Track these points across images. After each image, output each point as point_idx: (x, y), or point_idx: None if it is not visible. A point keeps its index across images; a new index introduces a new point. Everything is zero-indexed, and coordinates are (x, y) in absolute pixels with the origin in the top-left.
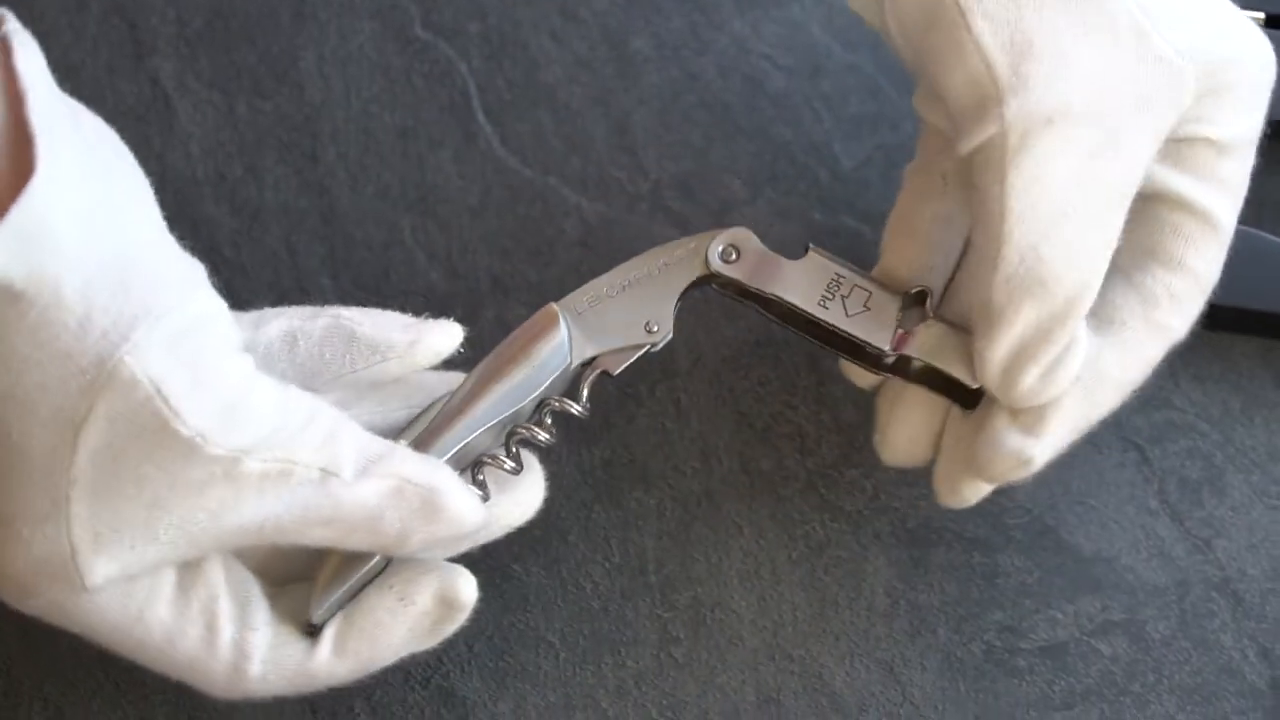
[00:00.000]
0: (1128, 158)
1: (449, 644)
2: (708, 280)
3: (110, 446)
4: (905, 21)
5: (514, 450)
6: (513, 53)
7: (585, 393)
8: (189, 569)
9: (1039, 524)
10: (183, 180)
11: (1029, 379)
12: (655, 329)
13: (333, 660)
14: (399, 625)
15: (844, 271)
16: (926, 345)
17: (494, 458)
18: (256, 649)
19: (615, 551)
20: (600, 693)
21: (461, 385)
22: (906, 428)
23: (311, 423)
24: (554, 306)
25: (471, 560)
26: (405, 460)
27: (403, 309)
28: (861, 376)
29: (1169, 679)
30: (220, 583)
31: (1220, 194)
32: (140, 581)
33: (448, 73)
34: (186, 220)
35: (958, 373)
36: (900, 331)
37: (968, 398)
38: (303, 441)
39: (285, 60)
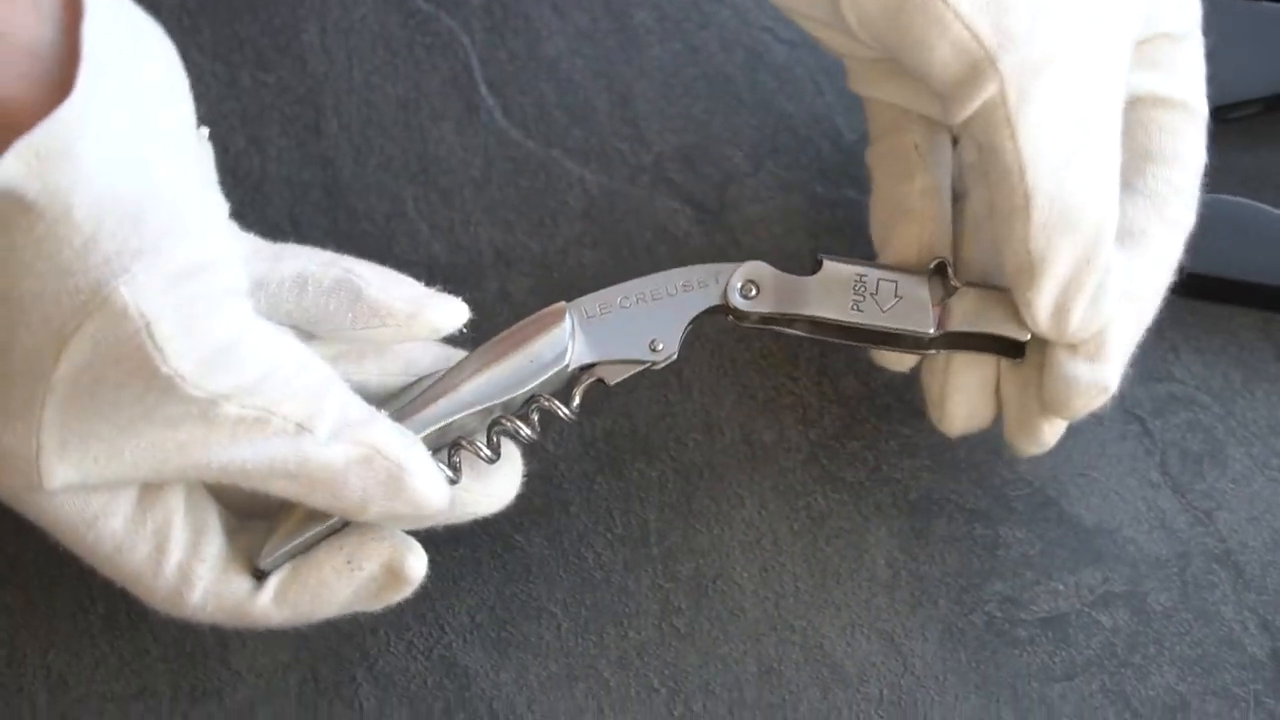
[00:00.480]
0: (1112, 76)
1: (451, 613)
2: (724, 312)
3: (91, 366)
4: (867, 10)
5: (494, 440)
6: (515, 25)
7: (578, 398)
8: (150, 489)
9: (1040, 496)
10: None
11: (1078, 314)
12: (660, 348)
13: (271, 607)
14: (343, 586)
15: (863, 270)
16: (966, 314)
17: (472, 443)
18: (200, 579)
19: (617, 522)
20: (602, 663)
21: (460, 364)
22: (965, 395)
23: (299, 375)
24: (564, 305)
25: (473, 531)
26: (381, 431)
27: None
28: (898, 361)
29: (1170, 650)
30: (179, 508)
31: (1188, 81)
32: (100, 492)
33: (450, 45)
34: None
35: (1005, 330)
36: (937, 309)
37: (1014, 349)
38: (286, 393)
39: (288, 32)
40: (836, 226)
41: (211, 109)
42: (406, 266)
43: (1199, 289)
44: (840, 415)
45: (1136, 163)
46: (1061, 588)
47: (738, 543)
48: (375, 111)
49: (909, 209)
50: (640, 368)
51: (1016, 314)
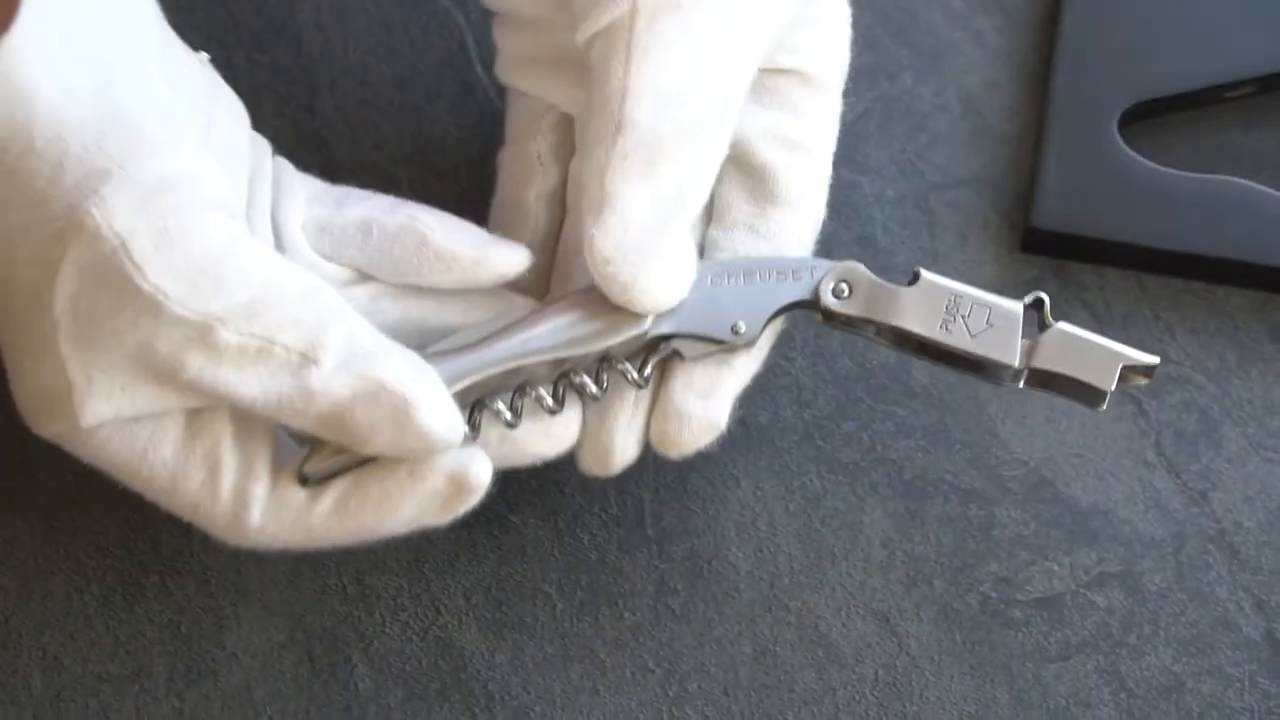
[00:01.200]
0: (744, 54)
1: (447, 594)
2: (813, 308)
3: (83, 295)
4: None
5: (560, 392)
6: None
7: (650, 367)
8: (196, 415)
9: (1035, 476)
10: None
11: (651, 276)
12: (741, 331)
13: (332, 518)
14: (407, 500)
15: (960, 290)
16: (1053, 353)
17: (537, 390)
18: (257, 499)
19: (612, 503)
20: (597, 644)
21: (540, 310)
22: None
23: (303, 302)
24: None
25: (468, 512)
26: (390, 362)
27: None
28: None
29: (1165, 631)
30: (226, 429)
31: (818, 128)
32: (145, 423)
33: (445, 24)
34: None
35: (1091, 376)
36: (1027, 343)
37: (1094, 397)
38: (285, 320)
39: (282, 13)
40: (833, 207)
41: None
42: None
43: (1195, 269)
44: (835, 396)
45: (759, 205)
46: (1056, 568)
47: (733, 523)
48: (370, 91)
49: (524, 211)
50: (718, 348)
51: (1107, 361)
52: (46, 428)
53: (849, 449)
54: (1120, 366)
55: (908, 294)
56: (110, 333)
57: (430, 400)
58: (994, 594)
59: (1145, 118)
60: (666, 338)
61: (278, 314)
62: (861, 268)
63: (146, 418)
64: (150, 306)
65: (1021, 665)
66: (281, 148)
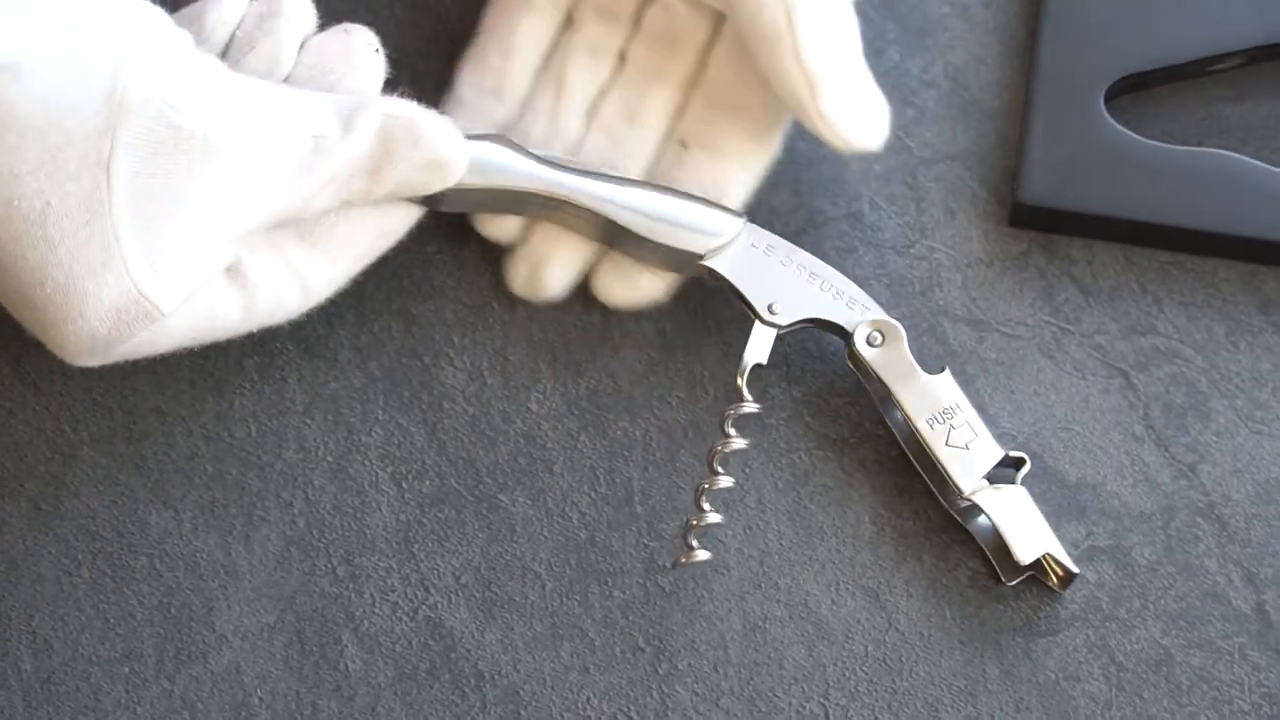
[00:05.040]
0: None
1: (436, 574)
2: (842, 337)
3: (139, 173)
4: None
5: None
6: None
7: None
8: (232, 267)
9: (1023, 450)
10: None
11: (862, 113)
12: (776, 314)
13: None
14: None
15: (964, 407)
16: (1000, 505)
17: None
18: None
19: (601, 481)
20: (587, 622)
21: (633, 179)
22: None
23: (291, 101)
24: (745, 220)
25: (457, 492)
26: (380, 101)
27: None
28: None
29: (1154, 604)
30: (261, 262)
31: None
32: (200, 294)
33: None
34: None
35: (1014, 543)
36: (986, 483)
37: (1005, 565)
38: (286, 116)
39: None
40: (821, 183)
41: None
42: None
43: (1182, 242)
44: (823, 372)
45: None
46: None
47: (721, 500)
48: None
49: (511, 44)
50: (749, 314)
51: (1037, 542)
52: (125, 342)
53: (837, 425)
54: (1044, 553)
55: (923, 377)
56: (166, 198)
57: (428, 115)
58: (983, 569)
59: (1132, 91)
60: (716, 274)
61: (278, 113)
62: (901, 330)
63: (201, 287)
64: (202, 147)
65: (1011, 640)
66: None
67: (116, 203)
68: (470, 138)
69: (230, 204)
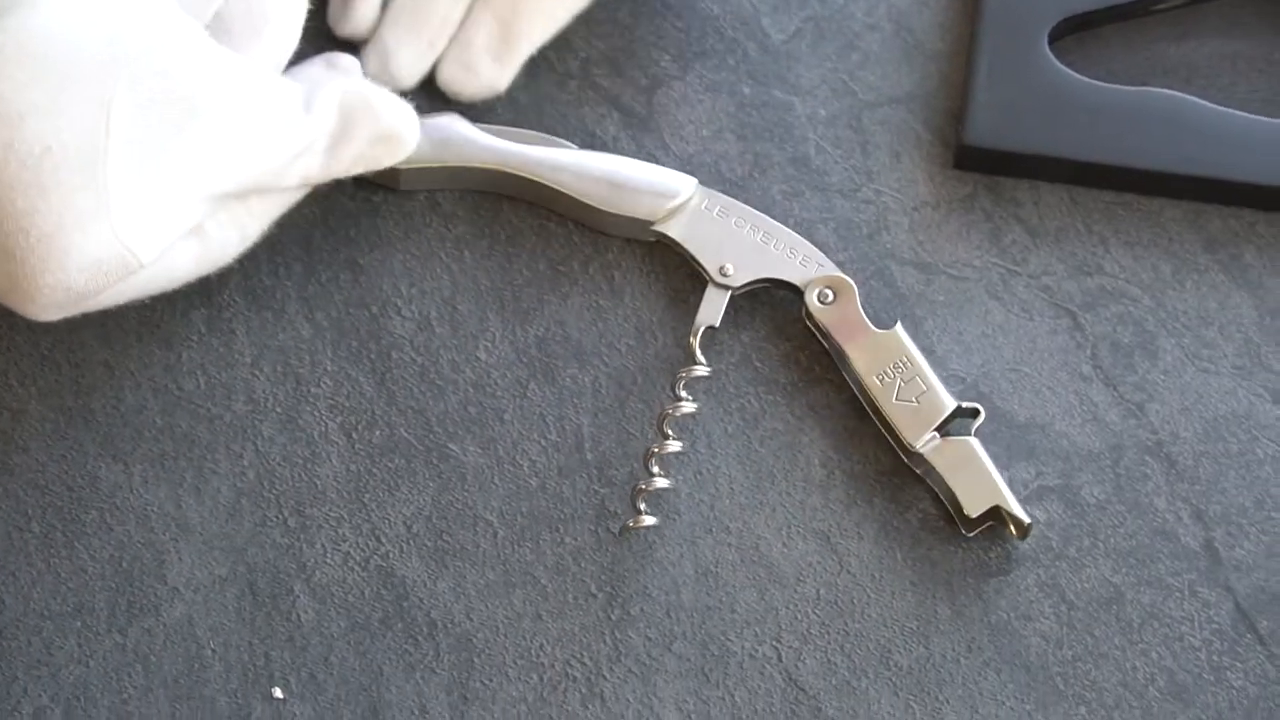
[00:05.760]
0: None
1: (387, 524)
2: (793, 291)
3: (135, 121)
4: None
5: None
6: None
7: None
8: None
9: (972, 392)
10: None
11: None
12: (729, 275)
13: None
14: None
15: (915, 360)
16: (950, 459)
17: None
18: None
19: (551, 429)
20: (539, 569)
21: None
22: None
23: (263, 75)
24: (696, 182)
25: (407, 440)
26: (338, 80)
27: None
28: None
29: (1104, 543)
30: (218, 223)
31: None
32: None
33: None
34: None
35: (963, 497)
36: (936, 436)
37: (960, 517)
38: (265, 92)
39: None
40: (766, 128)
41: None
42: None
43: (1128, 182)
44: (772, 317)
45: None
46: None
47: (671, 465)
48: None
49: None
50: (703, 277)
51: (987, 493)
52: (103, 291)
53: (787, 369)
54: (994, 504)
55: (874, 334)
56: (159, 148)
57: (378, 90)
58: (933, 510)
59: (1076, 32)
60: (664, 235)
61: (259, 89)
62: (854, 286)
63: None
64: (189, 106)
65: (962, 580)
66: None
67: (113, 149)
68: (424, 116)
69: (211, 165)
